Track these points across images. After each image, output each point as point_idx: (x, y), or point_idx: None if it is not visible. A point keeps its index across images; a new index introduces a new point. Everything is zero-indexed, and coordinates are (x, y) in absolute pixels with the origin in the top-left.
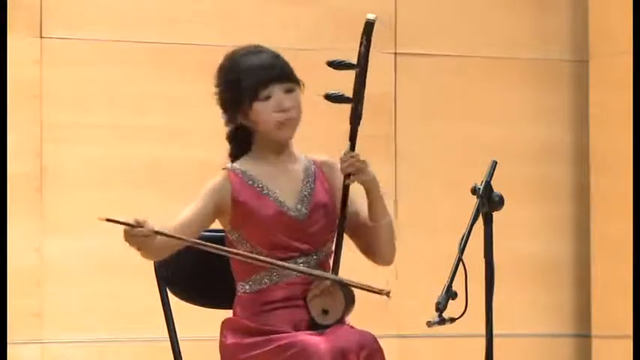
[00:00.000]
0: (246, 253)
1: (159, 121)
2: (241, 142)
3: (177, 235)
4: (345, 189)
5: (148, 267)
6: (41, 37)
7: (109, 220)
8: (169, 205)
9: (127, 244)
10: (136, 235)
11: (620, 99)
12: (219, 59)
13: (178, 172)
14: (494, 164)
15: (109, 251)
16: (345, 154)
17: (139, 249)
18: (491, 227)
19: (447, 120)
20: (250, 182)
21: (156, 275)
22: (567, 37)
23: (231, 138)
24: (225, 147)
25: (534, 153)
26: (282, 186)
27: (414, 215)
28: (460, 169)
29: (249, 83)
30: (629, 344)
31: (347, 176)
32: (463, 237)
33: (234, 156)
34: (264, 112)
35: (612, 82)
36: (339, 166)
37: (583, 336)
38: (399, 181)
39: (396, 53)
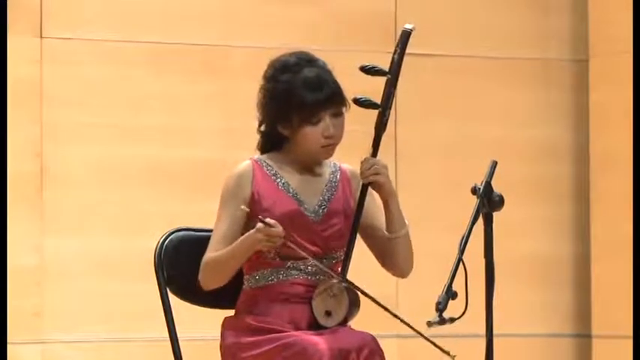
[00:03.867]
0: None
1: (159, 121)
2: (273, 140)
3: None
4: (363, 190)
5: (148, 267)
6: (41, 37)
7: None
8: (169, 205)
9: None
10: (270, 233)
11: (620, 99)
12: (219, 59)
13: (178, 172)
14: (495, 164)
15: (109, 251)
16: (366, 159)
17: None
18: (492, 227)
19: (447, 120)
20: (273, 176)
21: (156, 275)
22: (567, 36)
23: (265, 135)
24: (224, 146)
25: (534, 153)
26: (304, 186)
27: (413, 215)
28: (460, 169)
29: (301, 105)
30: (629, 344)
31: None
32: (463, 237)
33: (264, 150)
34: (312, 136)
35: (612, 81)
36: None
37: (583, 336)
38: (399, 180)
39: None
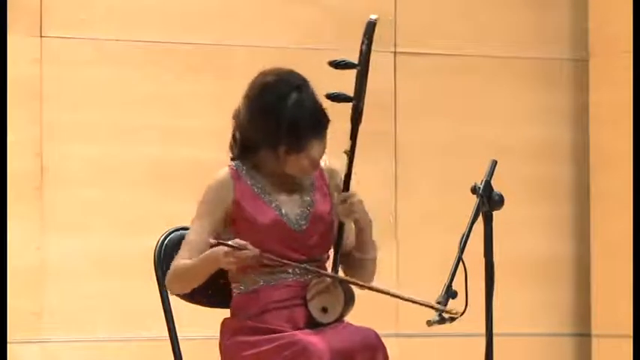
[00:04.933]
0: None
1: (159, 121)
2: (248, 151)
3: (283, 261)
4: (341, 227)
5: (148, 267)
6: (41, 37)
7: (219, 243)
8: (169, 205)
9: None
10: (240, 256)
11: (620, 98)
12: (219, 59)
13: (178, 172)
14: (494, 163)
15: (109, 251)
16: (340, 197)
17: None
18: (491, 226)
19: (447, 119)
20: (252, 185)
21: (156, 275)
22: (567, 36)
23: (241, 143)
24: (224, 146)
25: (534, 152)
26: (284, 195)
27: (413, 214)
28: (460, 169)
29: (289, 137)
30: (629, 344)
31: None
32: (463, 236)
33: (239, 156)
34: (295, 162)
35: (612, 81)
36: (338, 169)
37: (583, 335)
38: (399, 180)
39: (395, 52)
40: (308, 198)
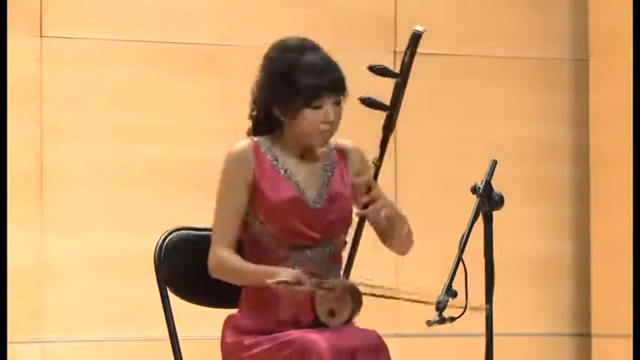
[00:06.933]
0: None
1: (159, 121)
2: (267, 125)
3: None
4: (361, 221)
5: (148, 267)
6: (41, 37)
7: (279, 282)
8: (169, 205)
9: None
10: (294, 290)
11: (620, 98)
12: (219, 59)
13: (178, 171)
14: (495, 163)
15: (109, 251)
16: (365, 200)
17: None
18: (492, 226)
19: (447, 119)
20: (273, 160)
21: (156, 275)
22: (567, 36)
23: (258, 119)
24: (224, 146)
25: (534, 152)
26: (303, 172)
27: (413, 214)
28: (460, 168)
29: (305, 88)
30: (629, 343)
31: (364, 206)
32: (463, 236)
33: (257, 134)
34: (311, 119)
35: (612, 81)
36: (358, 149)
37: (583, 335)
38: (399, 180)
39: (395, 52)
40: (326, 177)
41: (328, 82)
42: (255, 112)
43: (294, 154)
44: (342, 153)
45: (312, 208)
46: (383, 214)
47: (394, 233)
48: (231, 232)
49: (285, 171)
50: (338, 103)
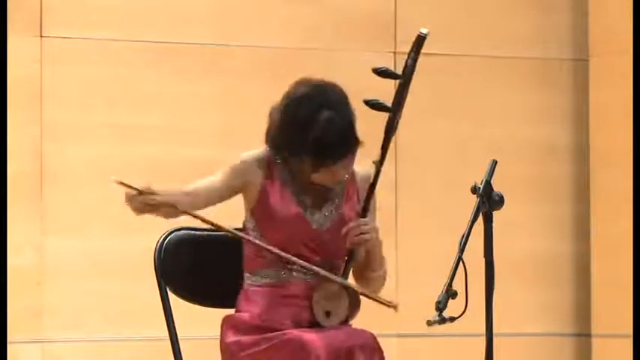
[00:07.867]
0: (266, 245)
1: (159, 121)
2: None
3: (202, 217)
4: (351, 252)
5: (148, 267)
6: (41, 37)
7: (121, 183)
8: None
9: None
10: (143, 201)
11: (620, 98)
12: (219, 59)
13: (178, 172)
14: (495, 163)
15: (109, 251)
16: (354, 224)
17: (140, 212)
18: (492, 226)
19: (447, 119)
20: (284, 177)
21: (156, 275)
22: (567, 36)
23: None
24: (224, 146)
25: (534, 152)
26: (313, 193)
27: (413, 214)
28: (460, 169)
29: (315, 154)
30: (629, 343)
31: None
32: (463, 236)
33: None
34: (323, 177)
35: (612, 81)
36: (370, 177)
37: (583, 335)
38: (399, 180)
39: (395, 52)
40: (336, 201)
41: (338, 150)
42: (271, 135)
43: (305, 177)
44: (354, 178)
45: (315, 229)
46: (364, 244)
47: (367, 270)
48: (202, 191)
49: (294, 188)
50: (349, 158)
